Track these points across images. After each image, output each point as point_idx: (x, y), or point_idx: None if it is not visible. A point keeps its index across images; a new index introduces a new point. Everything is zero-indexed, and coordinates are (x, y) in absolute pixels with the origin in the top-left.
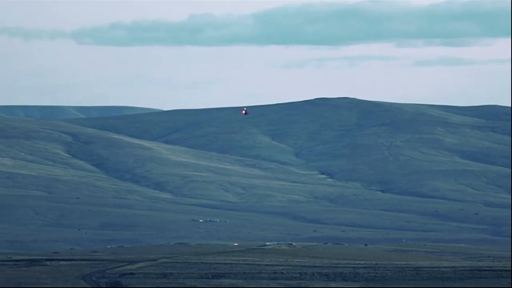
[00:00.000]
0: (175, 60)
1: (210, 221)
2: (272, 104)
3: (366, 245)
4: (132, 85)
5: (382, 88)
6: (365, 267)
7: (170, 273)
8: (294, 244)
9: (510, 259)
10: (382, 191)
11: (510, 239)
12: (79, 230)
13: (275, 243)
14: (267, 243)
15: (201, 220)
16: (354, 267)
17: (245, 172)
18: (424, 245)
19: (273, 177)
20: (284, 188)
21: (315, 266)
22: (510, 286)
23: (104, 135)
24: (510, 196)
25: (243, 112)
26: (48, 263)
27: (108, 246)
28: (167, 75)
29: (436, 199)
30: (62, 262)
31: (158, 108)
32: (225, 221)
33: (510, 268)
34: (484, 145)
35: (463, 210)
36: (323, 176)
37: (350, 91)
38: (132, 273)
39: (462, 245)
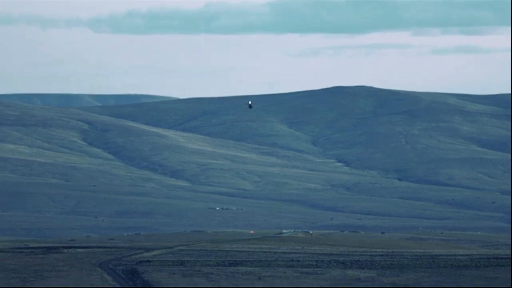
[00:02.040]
0: (191, 48)
1: (226, 209)
2: (289, 92)
3: (382, 233)
4: (148, 73)
5: (399, 77)
6: (382, 255)
7: (187, 260)
8: (310, 232)
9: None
10: (399, 179)
11: None
12: (95, 217)
13: (292, 231)
14: (284, 231)
15: (218, 208)
16: (371, 255)
17: (262, 160)
18: (441, 233)
19: (289, 165)
20: (301, 176)
21: (332, 254)
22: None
23: (120, 123)
24: None
25: (249, 105)
26: (65, 250)
27: (125, 234)
28: (183, 63)
29: (453, 187)
30: (78, 250)
31: (175, 96)
32: (242, 209)
33: None
34: (501, 133)
35: (480, 198)
36: (340, 164)
37: (367, 80)
38: (148, 261)
39: (479, 233)
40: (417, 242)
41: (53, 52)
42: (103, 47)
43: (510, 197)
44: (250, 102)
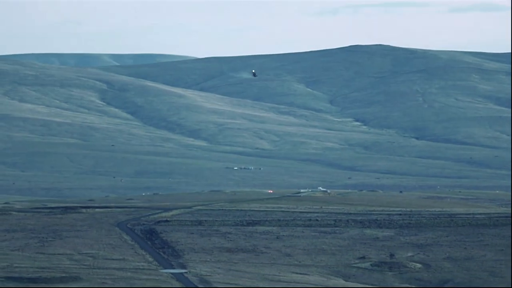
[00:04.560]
0: (210, 7)
1: (244, 168)
2: (307, 51)
3: (401, 192)
4: (166, 32)
5: (416, 35)
6: (400, 214)
7: (205, 220)
8: (328, 191)
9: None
10: (417, 138)
11: None
12: (114, 177)
13: (310, 190)
14: (302, 190)
15: (236, 168)
16: (389, 214)
17: (280, 119)
18: (459, 192)
19: (307, 125)
20: (319, 135)
21: (350, 213)
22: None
23: (138, 83)
24: None
25: (253, 74)
26: (83, 210)
27: (143, 194)
28: (201, 23)
29: (471, 146)
30: (97, 210)
31: (193, 55)
32: (260, 169)
33: None
34: None
35: (498, 156)
36: (358, 123)
37: (385, 38)
38: (167, 221)
39: (497, 191)
40: (435, 201)
41: (70, 11)
42: (121, 7)
43: None
44: (254, 71)
